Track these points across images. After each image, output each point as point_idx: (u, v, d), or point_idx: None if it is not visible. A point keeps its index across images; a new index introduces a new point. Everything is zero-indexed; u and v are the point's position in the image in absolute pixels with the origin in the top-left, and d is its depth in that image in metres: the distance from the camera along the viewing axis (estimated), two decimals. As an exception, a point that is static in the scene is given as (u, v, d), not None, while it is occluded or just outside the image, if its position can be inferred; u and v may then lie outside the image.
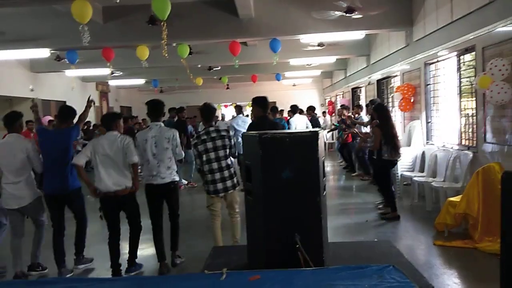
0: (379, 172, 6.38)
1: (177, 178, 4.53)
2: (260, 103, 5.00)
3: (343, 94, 16.67)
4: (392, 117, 6.15)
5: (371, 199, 7.42)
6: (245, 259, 2.97)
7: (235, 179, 4.50)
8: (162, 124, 4.52)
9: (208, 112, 4.59)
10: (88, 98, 4.90)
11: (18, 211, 4.35)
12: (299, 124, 9.46)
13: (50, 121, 10.61)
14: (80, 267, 4.63)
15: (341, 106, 12.15)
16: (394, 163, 6.22)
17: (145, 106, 4.58)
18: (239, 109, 9.22)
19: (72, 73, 12.36)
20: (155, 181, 4.37)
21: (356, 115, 9.81)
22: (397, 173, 7.55)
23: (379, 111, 6.28)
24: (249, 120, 7.86)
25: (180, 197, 4.84)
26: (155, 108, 4.51)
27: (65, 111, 4.69)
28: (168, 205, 4.56)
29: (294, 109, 10.14)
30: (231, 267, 2.48)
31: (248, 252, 2.97)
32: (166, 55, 6.17)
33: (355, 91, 14.94)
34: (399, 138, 6.16)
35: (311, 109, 11.46)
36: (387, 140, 5.99)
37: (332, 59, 12.58)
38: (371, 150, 6.61)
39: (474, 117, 6.29)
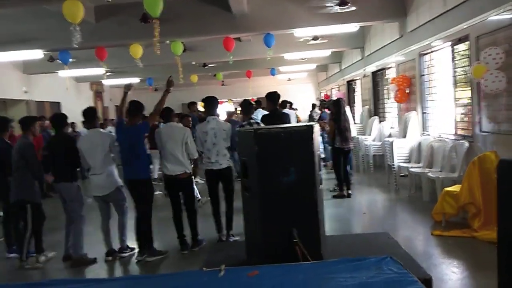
0: (333, 158, 7.32)
1: (231, 164, 5.14)
2: (270, 97, 5.77)
3: (338, 87, 16.65)
4: (346, 113, 7.07)
5: (366, 191, 7.45)
6: (243, 255, 2.97)
7: None
8: (219, 118, 5.11)
9: (246, 106, 5.67)
10: (168, 80, 4.92)
11: (102, 199, 4.84)
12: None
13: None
14: (150, 259, 4.73)
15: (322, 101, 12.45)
16: (344, 150, 7.05)
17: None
18: (258, 104, 9.21)
19: (66, 73, 12.26)
20: (215, 167, 4.97)
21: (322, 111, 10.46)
22: (393, 165, 7.57)
23: (336, 106, 7.09)
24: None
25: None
26: (210, 103, 5.09)
27: (133, 106, 4.80)
28: (224, 187, 5.12)
29: (284, 104, 10.13)
30: (230, 263, 2.47)
31: (246, 248, 2.98)
32: (158, 52, 6.15)
33: (350, 84, 14.93)
34: (351, 132, 7.13)
35: (288, 103, 11.40)
36: (339, 131, 6.92)
37: (326, 52, 12.54)
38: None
39: (470, 107, 6.30)
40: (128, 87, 5.03)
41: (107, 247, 4.87)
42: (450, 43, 6.81)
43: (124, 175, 4.75)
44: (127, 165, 4.69)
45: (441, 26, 6.35)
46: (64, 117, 5.16)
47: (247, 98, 5.77)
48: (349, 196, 6.95)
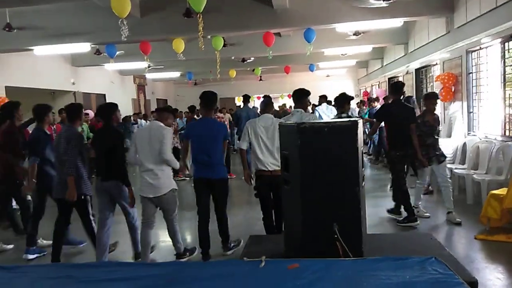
0: None
1: None
2: (395, 88, 5.76)
3: (379, 84, 16.29)
4: None
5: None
6: (281, 248, 2.98)
7: None
8: (303, 111, 4.77)
9: (342, 99, 5.55)
10: None
11: (151, 201, 4.24)
12: (325, 113, 9.19)
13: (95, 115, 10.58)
14: (228, 253, 4.58)
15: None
16: None
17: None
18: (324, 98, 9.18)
19: (111, 66, 12.72)
20: None
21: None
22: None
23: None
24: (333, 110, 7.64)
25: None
26: (299, 95, 4.81)
27: (210, 97, 4.49)
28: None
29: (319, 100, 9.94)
30: (269, 255, 2.50)
31: (285, 241, 2.99)
32: (203, 47, 6.24)
33: (391, 81, 14.58)
34: None
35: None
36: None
37: (368, 48, 12.30)
38: None
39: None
40: None
41: (145, 259, 4.25)
42: (500, 40, 6.52)
43: (205, 173, 4.32)
44: (208, 163, 4.30)
45: (490, 22, 6.08)
46: (111, 107, 4.48)
47: (343, 92, 5.70)
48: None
